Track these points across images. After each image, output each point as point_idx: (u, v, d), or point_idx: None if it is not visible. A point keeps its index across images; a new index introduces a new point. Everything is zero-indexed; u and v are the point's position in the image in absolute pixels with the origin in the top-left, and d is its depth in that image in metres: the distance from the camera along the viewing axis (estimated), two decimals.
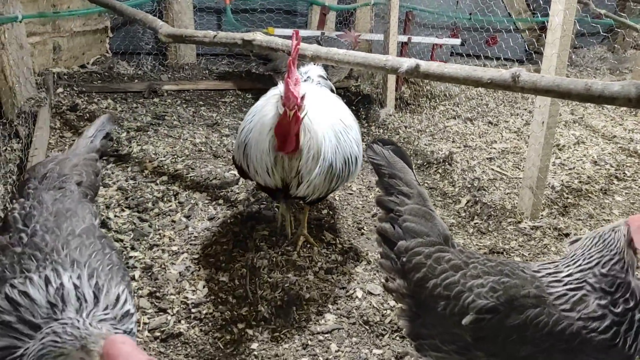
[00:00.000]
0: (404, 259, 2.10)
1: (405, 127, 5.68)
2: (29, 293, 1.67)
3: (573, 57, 8.48)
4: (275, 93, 2.83)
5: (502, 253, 3.53)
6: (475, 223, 3.92)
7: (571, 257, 1.90)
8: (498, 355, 1.90)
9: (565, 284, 1.83)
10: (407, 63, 2.68)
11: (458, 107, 6.34)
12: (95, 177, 2.48)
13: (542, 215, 3.99)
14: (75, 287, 1.72)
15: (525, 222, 3.89)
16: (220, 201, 3.79)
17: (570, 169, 4.82)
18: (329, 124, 2.90)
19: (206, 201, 3.77)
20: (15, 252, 1.84)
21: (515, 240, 3.70)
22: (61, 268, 1.78)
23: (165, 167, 4.21)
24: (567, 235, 3.76)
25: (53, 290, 1.69)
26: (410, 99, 6.44)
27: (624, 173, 4.80)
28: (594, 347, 1.77)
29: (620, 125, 6.06)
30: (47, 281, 1.71)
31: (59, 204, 2.11)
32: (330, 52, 3.17)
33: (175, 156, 4.38)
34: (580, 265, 1.84)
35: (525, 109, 6.34)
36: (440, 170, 4.69)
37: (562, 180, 4.57)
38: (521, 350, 1.84)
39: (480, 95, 6.76)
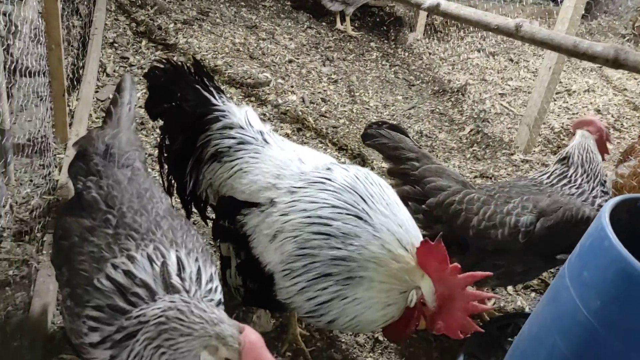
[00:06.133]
0: (439, 212, 2.48)
1: (430, 53, 6.03)
2: (132, 272, 1.63)
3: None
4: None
5: (491, 178, 4.06)
6: (473, 150, 4.41)
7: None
8: (545, 252, 2.40)
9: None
10: (429, 0, 3.08)
11: (484, 40, 6.60)
12: (143, 153, 2.34)
13: (534, 151, 4.47)
14: (181, 264, 1.69)
15: (518, 155, 4.38)
16: (252, 99, 4.31)
17: (573, 114, 5.21)
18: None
19: (240, 97, 4.29)
20: (107, 233, 1.76)
21: (505, 169, 4.21)
22: (162, 247, 1.72)
23: (207, 61, 4.69)
24: None
25: (158, 268, 1.65)
26: (440, 26, 6.70)
27: (622, 124, 5.18)
28: None
29: (636, 79, 6.32)
30: (151, 259, 1.67)
31: (135, 184, 1.99)
32: None
33: (217, 52, 4.84)
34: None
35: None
36: (452, 99, 5.12)
37: (562, 123, 4.98)
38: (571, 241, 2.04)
39: None
